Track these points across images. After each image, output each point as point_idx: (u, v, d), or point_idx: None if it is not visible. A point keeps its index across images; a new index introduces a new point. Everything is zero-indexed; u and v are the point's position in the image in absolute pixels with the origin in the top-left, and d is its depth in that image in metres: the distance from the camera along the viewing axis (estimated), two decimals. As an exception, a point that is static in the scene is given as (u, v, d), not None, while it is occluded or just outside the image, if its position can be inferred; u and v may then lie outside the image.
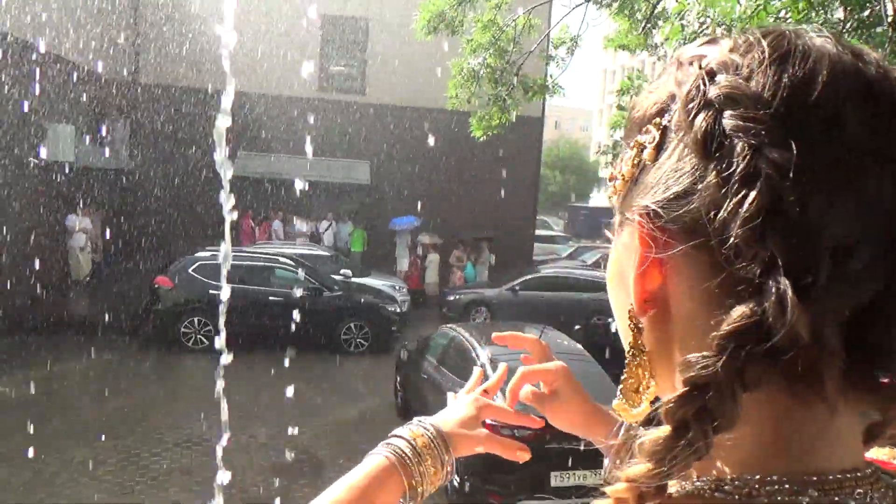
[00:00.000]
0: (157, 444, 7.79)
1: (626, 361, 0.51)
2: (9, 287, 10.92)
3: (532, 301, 14.23)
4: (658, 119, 0.48)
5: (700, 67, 0.46)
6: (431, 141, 17.58)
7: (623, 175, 0.51)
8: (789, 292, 0.39)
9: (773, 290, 0.40)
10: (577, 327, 11.55)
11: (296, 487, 6.95)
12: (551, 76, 8.35)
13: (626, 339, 0.52)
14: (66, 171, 13.80)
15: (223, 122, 1.29)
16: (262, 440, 8.12)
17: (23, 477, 6.72)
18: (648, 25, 7.57)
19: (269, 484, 7.02)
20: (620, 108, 6.62)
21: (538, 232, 28.03)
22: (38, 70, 12.15)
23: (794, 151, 0.41)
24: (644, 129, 0.49)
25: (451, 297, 14.83)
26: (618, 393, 0.52)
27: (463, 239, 17.01)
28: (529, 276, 15.07)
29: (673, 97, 0.47)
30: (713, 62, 0.46)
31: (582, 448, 6.24)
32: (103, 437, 7.40)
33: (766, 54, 0.44)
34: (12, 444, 7.03)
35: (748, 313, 0.40)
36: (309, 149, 17.83)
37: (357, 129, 18.17)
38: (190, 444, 7.83)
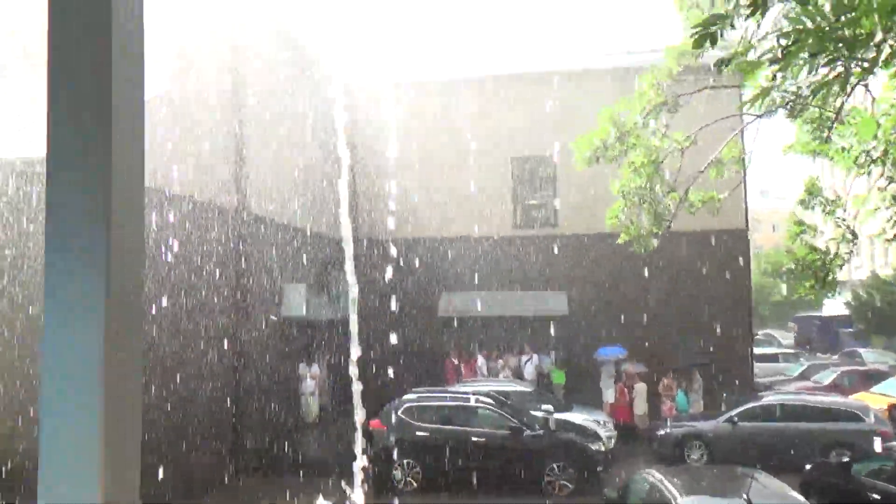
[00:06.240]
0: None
1: None
2: (250, 428, 12.49)
3: (754, 434, 12.88)
4: None
5: None
6: (630, 267, 17.34)
7: None
8: None
9: None
10: (808, 466, 10.22)
11: None
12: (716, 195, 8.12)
13: None
14: (297, 324, 15.65)
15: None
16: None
17: None
18: (829, 129, 7.23)
19: None
20: (798, 223, 6.16)
21: (762, 350, 25.53)
22: (270, 237, 14.27)
23: None
24: None
25: (662, 432, 13.89)
26: None
27: (675, 368, 16.10)
28: (750, 405, 13.67)
29: None
30: None
31: None
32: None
33: None
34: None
35: None
36: (507, 284, 18.43)
37: (552, 260, 18.54)
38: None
